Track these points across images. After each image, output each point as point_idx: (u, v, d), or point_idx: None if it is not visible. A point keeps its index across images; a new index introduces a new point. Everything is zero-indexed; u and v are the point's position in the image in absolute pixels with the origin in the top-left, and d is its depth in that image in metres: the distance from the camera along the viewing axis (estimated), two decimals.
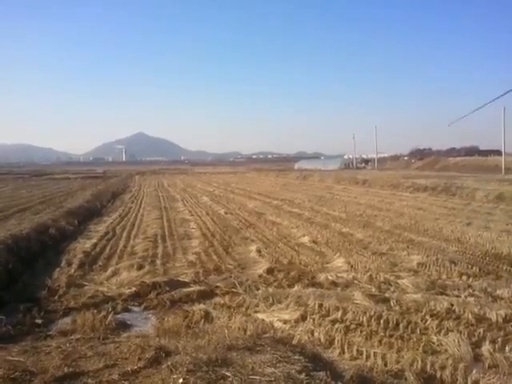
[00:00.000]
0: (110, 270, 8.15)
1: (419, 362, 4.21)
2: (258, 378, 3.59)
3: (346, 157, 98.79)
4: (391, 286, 6.99)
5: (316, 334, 4.95)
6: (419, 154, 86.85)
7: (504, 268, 8.00)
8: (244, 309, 5.99)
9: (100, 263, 8.88)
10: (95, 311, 5.89)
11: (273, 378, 3.59)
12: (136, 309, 6.38)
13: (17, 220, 13.37)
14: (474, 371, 4.03)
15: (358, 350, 4.55)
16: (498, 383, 3.86)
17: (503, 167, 43.97)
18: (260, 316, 5.67)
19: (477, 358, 4.40)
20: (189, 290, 6.93)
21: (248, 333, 5.00)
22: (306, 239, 10.99)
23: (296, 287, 6.97)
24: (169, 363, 3.86)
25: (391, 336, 4.94)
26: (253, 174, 58.18)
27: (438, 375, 4.02)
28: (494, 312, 5.49)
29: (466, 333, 4.94)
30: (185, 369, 3.70)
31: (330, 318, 5.43)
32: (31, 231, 10.78)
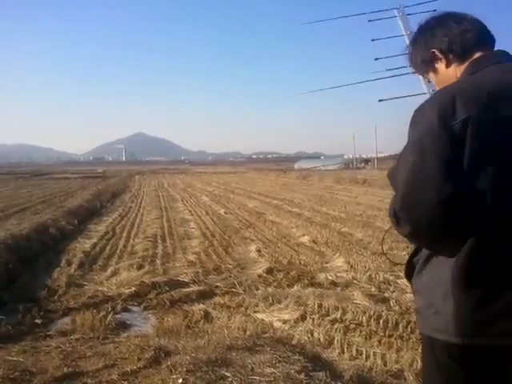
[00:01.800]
0: (109, 270, 8.15)
1: (419, 361, 4.20)
2: (257, 378, 3.60)
3: (345, 157, 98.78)
4: (391, 285, 6.99)
5: (315, 333, 4.95)
6: None
7: None
8: (243, 309, 5.98)
9: (100, 263, 8.87)
10: (95, 311, 5.88)
11: (272, 378, 3.60)
12: (135, 309, 6.38)
13: (17, 220, 13.35)
14: None
15: (357, 350, 4.54)
16: None
17: None
18: (259, 316, 5.66)
19: None
20: (188, 289, 6.93)
21: (247, 333, 5.00)
22: (305, 239, 10.99)
23: (295, 287, 6.97)
24: (168, 363, 3.87)
25: (391, 336, 4.93)
26: (253, 174, 58.15)
27: None
28: None
29: None
30: (184, 369, 3.70)
31: (329, 318, 5.42)
32: (31, 231, 10.77)
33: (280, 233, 12.16)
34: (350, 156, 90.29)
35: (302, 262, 8.68)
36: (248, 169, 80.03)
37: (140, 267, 8.33)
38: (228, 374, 3.63)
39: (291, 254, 9.46)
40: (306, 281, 7.35)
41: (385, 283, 7.11)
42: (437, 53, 1.65)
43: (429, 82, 1.91)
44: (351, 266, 8.20)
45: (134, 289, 6.95)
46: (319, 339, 4.84)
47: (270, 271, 7.96)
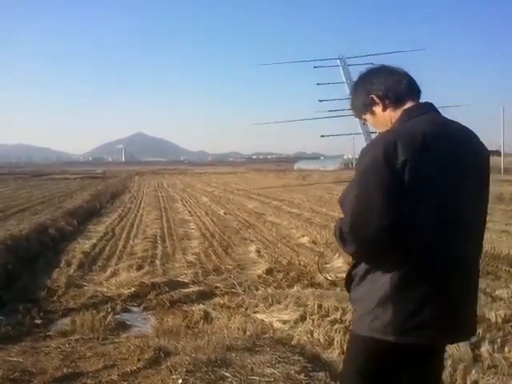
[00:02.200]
0: (109, 271, 8.14)
1: None
2: (257, 378, 3.60)
3: (345, 157, 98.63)
4: None
5: (315, 334, 4.95)
6: None
7: (503, 268, 8.00)
8: (243, 309, 5.98)
9: (99, 263, 8.86)
10: (94, 311, 5.88)
11: (272, 379, 3.60)
12: (135, 309, 6.38)
13: (16, 220, 13.34)
14: (473, 371, 4.03)
15: None
16: None
17: (502, 168, 43.92)
18: (259, 316, 5.66)
19: (476, 359, 4.39)
20: (188, 290, 6.93)
21: (247, 333, 5.00)
22: (305, 239, 10.99)
23: (295, 287, 6.96)
24: (168, 364, 3.87)
25: None
26: (252, 175, 58.12)
27: None
28: (493, 312, 5.49)
29: None
30: (184, 369, 3.70)
31: (329, 319, 5.41)
32: (30, 231, 10.78)
33: (280, 233, 12.16)
34: (350, 156, 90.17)
35: (302, 263, 8.67)
36: (248, 169, 79.98)
37: (139, 268, 8.32)
38: (228, 375, 3.63)
39: (291, 254, 9.45)
40: (306, 281, 7.34)
41: None
42: (375, 98, 1.92)
43: (364, 123, 2.24)
44: None
45: (133, 289, 6.95)
46: (319, 340, 4.84)
47: (269, 272, 7.96)
